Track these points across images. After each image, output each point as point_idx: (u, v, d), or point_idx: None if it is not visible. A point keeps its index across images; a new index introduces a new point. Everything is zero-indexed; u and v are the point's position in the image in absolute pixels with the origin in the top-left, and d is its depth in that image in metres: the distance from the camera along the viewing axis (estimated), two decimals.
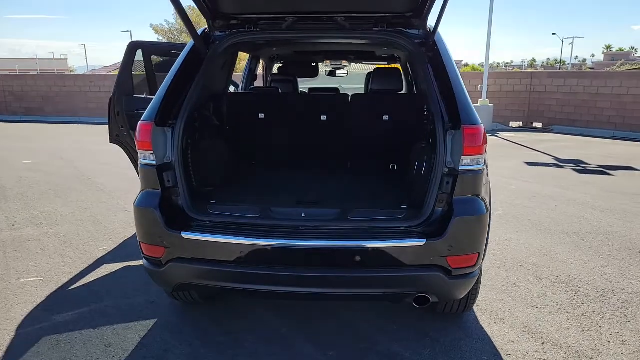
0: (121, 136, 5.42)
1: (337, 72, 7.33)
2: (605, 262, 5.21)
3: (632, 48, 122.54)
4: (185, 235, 3.15)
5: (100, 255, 5.49)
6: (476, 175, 3.12)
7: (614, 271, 4.98)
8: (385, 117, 4.71)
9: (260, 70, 7.05)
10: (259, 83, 7.28)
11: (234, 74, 5.25)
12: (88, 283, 4.77)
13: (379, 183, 4.25)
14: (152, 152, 3.29)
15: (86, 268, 5.12)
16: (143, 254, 3.40)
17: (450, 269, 3.07)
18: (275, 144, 4.93)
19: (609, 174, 9.79)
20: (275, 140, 4.92)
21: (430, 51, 3.49)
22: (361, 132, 4.79)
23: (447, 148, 3.10)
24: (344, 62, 6.96)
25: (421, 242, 3.01)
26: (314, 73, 7.10)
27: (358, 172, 4.70)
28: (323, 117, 4.80)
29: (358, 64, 7.54)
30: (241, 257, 3.12)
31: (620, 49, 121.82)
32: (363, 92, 6.22)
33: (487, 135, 3.24)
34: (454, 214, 3.04)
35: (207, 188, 3.90)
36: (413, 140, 4.47)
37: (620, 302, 4.32)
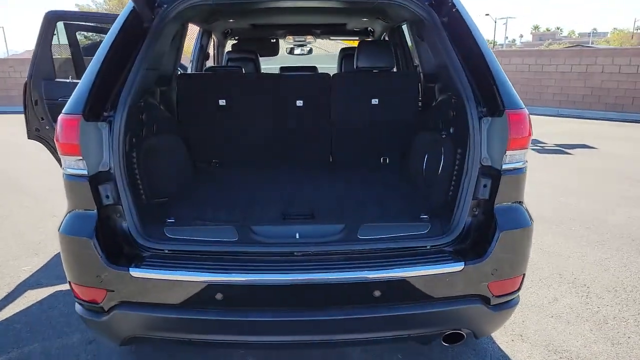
0: (42, 130, 4.33)
1: (300, 49, 6.46)
2: (604, 254, 4.83)
3: (558, 28, 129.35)
4: (135, 272, 2.30)
5: (23, 278, 4.42)
6: (520, 176, 2.48)
7: (615, 265, 4.60)
8: (374, 101, 3.96)
9: (210, 49, 6.05)
10: (211, 64, 6.29)
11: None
12: (5, 319, 3.74)
13: (375, 182, 3.52)
14: (80, 157, 2.37)
15: (3, 298, 4.06)
16: (76, 297, 2.50)
17: (491, 297, 2.43)
18: (242, 138, 4.07)
19: (568, 153, 9.70)
20: (241, 133, 4.05)
21: (446, 15, 2.75)
22: (345, 118, 4.03)
23: (483, 140, 2.42)
24: (309, 38, 6.11)
25: (458, 267, 2.34)
26: (273, 50, 6.21)
27: (344, 167, 3.95)
28: (299, 103, 3.99)
29: (320, 43, 6.71)
30: (217, 299, 2.30)
31: (547, 30, 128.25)
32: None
33: None
34: (498, 226, 2.38)
35: (161, 199, 3.01)
36: (412, 128, 3.78)
37: (637, 303, 3.90)
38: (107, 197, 2.44)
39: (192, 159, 3.86)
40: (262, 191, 3.31)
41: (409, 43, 5.22)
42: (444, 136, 2.90)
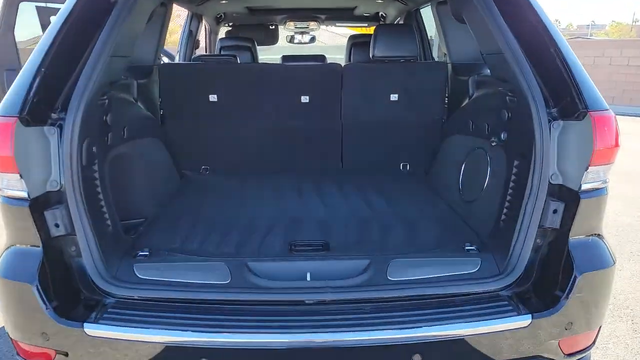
0: None
1: (302, 37, 5.80)
2: None
3: (557, 20, 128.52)
4: (92, 329, 1.71)
5: None
6: (601, 198, 1.89)
7: None
8: (394, 97, 3.34)
9: (201, 36, 5.38)
10: (202, 52, 5.62)
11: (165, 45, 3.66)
12: None
13: (397, 195, 2.91)
14: (17, 175, 1.76)
15: None
16: (18, 355, 1.91)
17: (561, 356, 1.86)
18: (237, 140, 3.44)
19: None
20: (236, 134, 3.42)
21: None
22: (358, 117, 3.40)
23: (552, 151, 1.84)
24: (312, 25, 5.46)
25: (524, 321, 1.78)
26: (272, 38, 5.56)
27: (357, 176, 3.34)
28: (304, 99, 3.36)
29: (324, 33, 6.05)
30: None
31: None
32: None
33: None
34: (575, 266, 1.80)
35: (134, 221, 2.40)
36: (440, 130, 3.17)
37: None
38: (57, 226, 1.83)
39: (176, 166, 3.23)
40: (261, 208, 2.69)
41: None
42: (493, 144, 2.28)
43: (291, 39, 5.91)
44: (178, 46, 4.73)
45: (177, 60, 4.49)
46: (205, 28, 5.32)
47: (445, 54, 3.55)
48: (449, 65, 3.41)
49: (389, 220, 2.47)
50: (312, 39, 5.91)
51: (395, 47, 3.26)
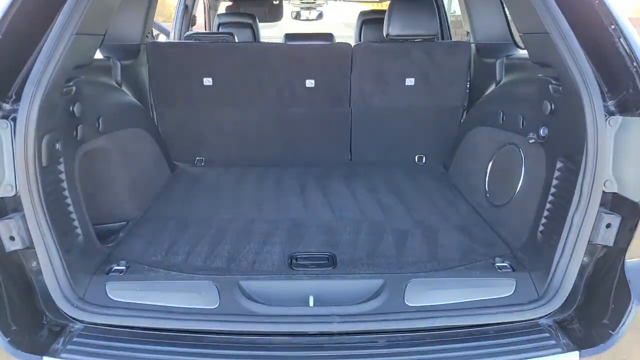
0: None
1: (309, 14, 5.39)
2: None
3: None
4: None
5: None
6: None
7: None
8: (409, 81, 2.98)
9: (200, 11, 4.99)
10: (200, 30, 5.22)
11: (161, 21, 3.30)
12: None
13: (413, 193, 2.58)
14: None
15: None
16: None
17: None
18: (234, 129, 3.10)
19: None
20: (233, 122, 3.09)
21: None
22: (369, 104, 3.05)
23: (608, 152, 1.52)
24: (319, 0, 5.05)
25: (570, 359, 1.46)
26: (275, 14, 5.16)
27: (367, 169, 3.00)
28: (309, 83, 3.01)
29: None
30: None
31: None
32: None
33: None
34: (633, 293, 1.49)
35: (112, 225, 2.11)
36: (460, 118, 2.83)
37: None
38: (12, 239, 1.53)
39: (168, 157, 2.92)
40: (259, 209, 2.37)
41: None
42: (531, 141, 1.94)
43: (297, 15, 5.52)
44: (173, 23, 4.35)
45: (171, 38, 4.13)
46: (204, 3, 4.93)
47: (468, 32, 3.17)
48: (472, 46, 3.03)
49: (404, 226, 2.15)
50: (320, 15, 5.51)
51: (412, 25, 2.88)
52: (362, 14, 4.27)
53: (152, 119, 2.91)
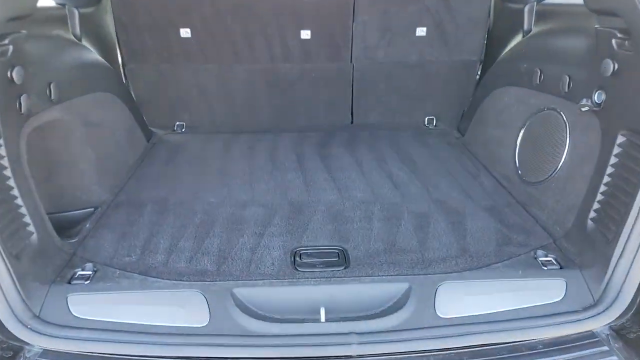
0: None
1: None
2: None
3: None
4: None
5: None
6: None
7: None
8: (420, 31, 2.57)
9: None
10: None
11: None
12: None
13: (426, 162, 2.25)
14: None
15: None
16: None
17: None
18: (219, 89, 2.70)
19: None
20: (217, 80, 2.68)
21: None
22: (374, 58, 2.65)
23: None
24: None
25: None
26: None
27: (371, 133, 2.66)
28: (304, 34, 2.59)
29: None
30: None
31: None
32: None
33: None
34: None
35: (75, 212, 1.77)
36: (479, 75, 2.49)
37: None
38: None
39: (143, 124, 2.52)
40: (251, 187, 2.02)
41: None
42: (584, 109, 1.59)
43: None
44: None
45: None
46: None
47: None
48: None
49: (424, 207, 1.83)
50: None
51: None
52: None
53: (122, 79, 2.49)
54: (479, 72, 2.76)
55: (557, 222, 1.65)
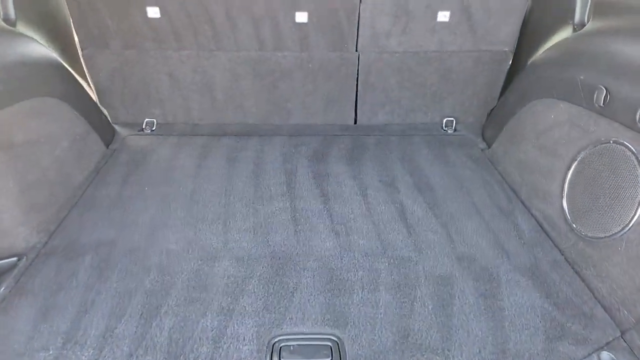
0: None
1: None
2: None
3: None
4: None
5: None
6: None
7: None
8: (443, 15, 2.08)
9: None
10: None
11: None
12: None
13: (447, 189, 1.82)
14: None
15: None
16: None
17: None
18: (193, 82, 2.23)
19: None
20: (190, 72, 2.21)
21: None
22: (383, 47, 2.18)
23: None
24: None
25: None
26: None
27: (379, 138, 2.22)
28: (300, 17, 2.10)
29: None
30: None
31: None
32: None
33: None
34: None
35: None
36: (514, 70, 2.04)
37: None
38: None
39: (100, 126, 2.08)
40: (224, 230, 1.60)
41: None
42: None
43: None
44: None
45: None
46: None
47: None
48: None
49: (446, 268, 1.42)
50: None
51: None
52: None
53: (71, 75, 2.01)
54: (509, 66, 2.29)
55: (625, 302, 1.24)
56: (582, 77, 1.53)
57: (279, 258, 1.45)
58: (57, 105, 1.75)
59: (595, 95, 1.46)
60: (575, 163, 1.53)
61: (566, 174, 1.56)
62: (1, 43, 1.61)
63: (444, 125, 2.37)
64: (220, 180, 1.88)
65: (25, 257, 1.43)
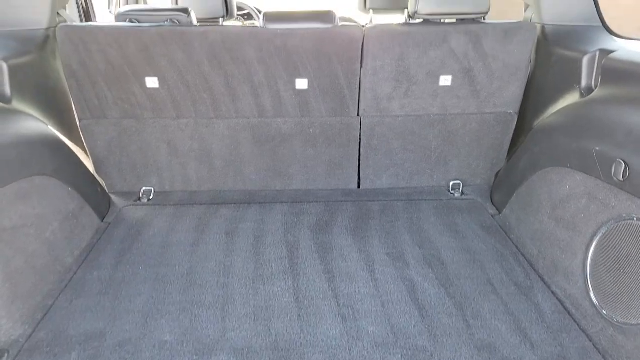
0: None
1: None
2: None
3: None
4: None
5: None
6: None
7: None
8: (445, 80, 2.06)
9: None
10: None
11: None
12: None
13: (459, 263, 1.72)
14: None
15: None
16: None
17: None
18: (191, 150, 2.19)
19: None
20: (189, 140, 2.17)
21: None
22: (387, 111, 2.14)
23: None
24: None
25: None
26: None
27: (384, 204, 2.14)
28: (300, 83, 2.07)
29: None
30: None
31: None
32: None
33: None
34: None
35: None
36: (521, 133, 2.00)
37: None
38: None
39: (95, 199, 2.00)
40: (222, 317, 1.49)
41: None
42: None
43: None
44: None
45: (112, 10, 3.08)
46: None
47: (528, 6, 2.20)
48: (538, 28, 2.09)
49: (464, 359, 1.30)
50: None
51: (454, 0, 1.93)
52: None
53: (67, 148, 1.96)
54: (515, 125, 2.24)
55: None
56: (597, 149, 1.47)
57: (282, 350, 1.33)
58: (49, 184, 1.69)
59: (613, 169, 1.39)
60: (597, 240, 1.43)
61: (587, 250, 1.46)
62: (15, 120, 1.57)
63: (450, 188, 2.29)
64: (218, 256, 1.78)
65: (7, 353, 1.31)
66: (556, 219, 1.64)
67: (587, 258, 1.45)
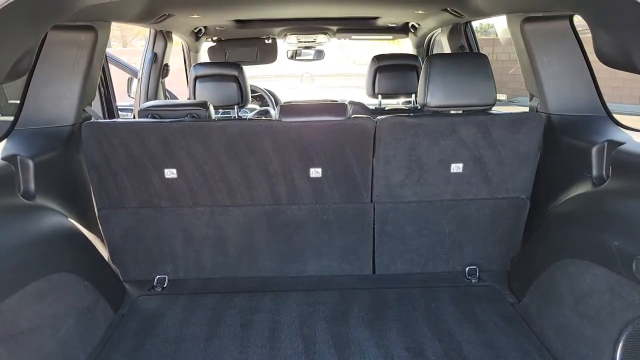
0: None
1: (309, 51, 4.52)
2: None
3: None
4: None
5: None
6: None
7: None
8: (456, 167, 2.10)
9: (174, 59, 4.09)
10: (178, 86, 4.29)
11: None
12: None
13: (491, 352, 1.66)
14: None
15: None
16: None
17: None
18: (206, 238, 2.21)
19: None
20: (204, 228, 2.20)
21: None
22: (399, 197, 2.16)
23: None
24: (320, 37, 4.20)
25: None
26: (269, 55, 4.30)
27: (399, 291, 2.11)
28: (314, 172, 2.12)
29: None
30: None
31: None
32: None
33: None
34: None
35: None
36: (533, 216, 2.00)
37: None
38: None
39: (108, 293, 2.00)
40: None
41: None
42: None
43: (293, 55, 4.67)
44: (139, 75, 3.47)
45: (138, 102, 3.24)
46: (182, 46, 4.07)
47: (533, 96, 2.30)
48: (544, 118, 2.15)
49: None
50: (320, 54, 4.67)
51: (463, 92, 2.01)
52: (377, 59, 3.41)
53: (86, 241, 1.99)
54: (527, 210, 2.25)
55: None
56: (616, 244, 1.46)
57: None
58: (67, 280, 1.70)
59: (634, 265, 1.37)
60: (624, 338, 1.39)
61: (615, 349, 1.41)
62: (18, 222, 1.61)
63: (467, 274, 2.26)
64: (233, 352, 1.74)
65: None
66: (579, 314, 1.60)
67: (616, 357, 1.40)
